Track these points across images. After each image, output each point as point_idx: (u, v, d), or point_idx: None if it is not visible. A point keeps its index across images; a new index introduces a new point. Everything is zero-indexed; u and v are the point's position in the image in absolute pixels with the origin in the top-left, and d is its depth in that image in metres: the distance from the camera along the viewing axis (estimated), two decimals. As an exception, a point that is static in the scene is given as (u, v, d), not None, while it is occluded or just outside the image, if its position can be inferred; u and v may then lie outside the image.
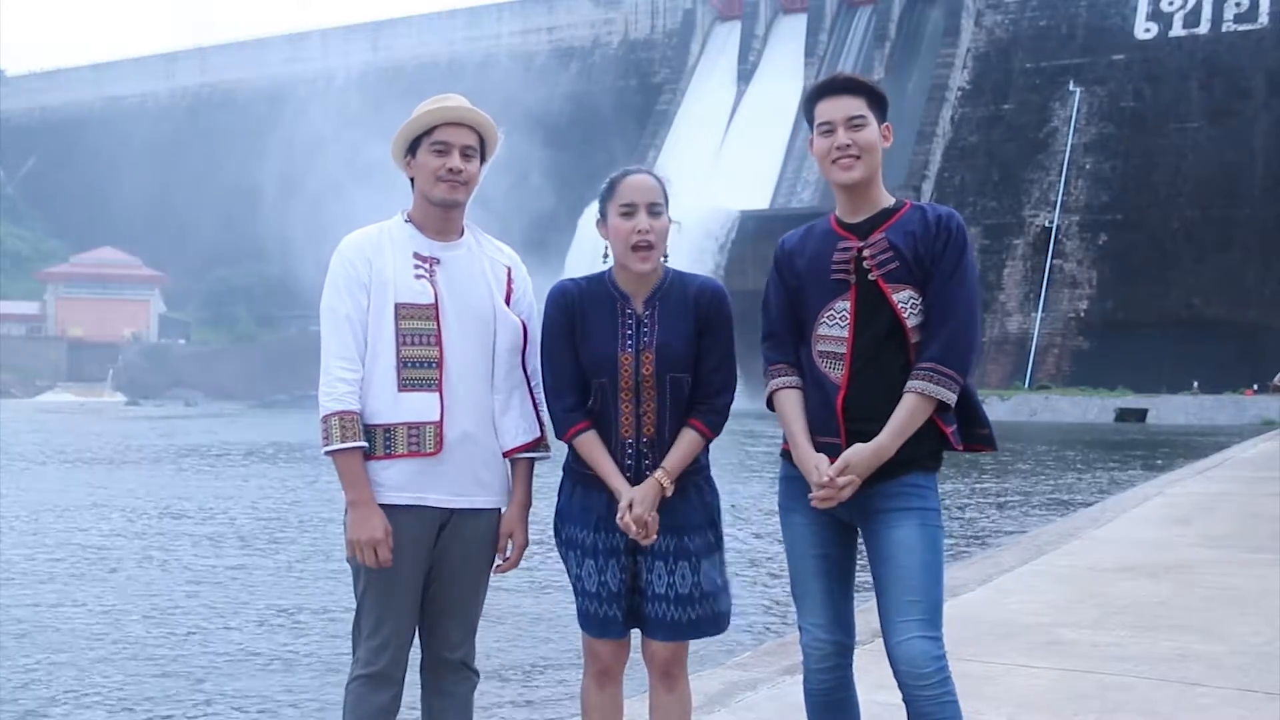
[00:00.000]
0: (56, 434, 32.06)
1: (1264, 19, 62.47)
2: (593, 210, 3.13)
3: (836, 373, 2.84)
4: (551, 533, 3.08)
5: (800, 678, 3.02)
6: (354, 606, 2.98)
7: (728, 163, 70.07)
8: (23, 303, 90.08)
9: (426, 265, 2.95)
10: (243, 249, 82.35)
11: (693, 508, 2.99)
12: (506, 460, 3.05)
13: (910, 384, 2.77)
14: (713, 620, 3.00)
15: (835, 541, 2.92)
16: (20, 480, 17.63)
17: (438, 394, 2.90)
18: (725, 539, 3.11)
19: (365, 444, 2.87)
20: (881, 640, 2.83)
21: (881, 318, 2.81)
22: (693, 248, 55.97)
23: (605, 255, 3.04)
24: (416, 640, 3.01)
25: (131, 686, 6.03)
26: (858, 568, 2.99)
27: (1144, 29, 65.05)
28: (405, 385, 2.89)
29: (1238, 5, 63.40)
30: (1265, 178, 58.07)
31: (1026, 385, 55.70)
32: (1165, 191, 59.99)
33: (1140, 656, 4.94)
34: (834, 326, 2.85)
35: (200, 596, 8.50)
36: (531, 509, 3.09)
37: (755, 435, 26.32)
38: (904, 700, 2.78)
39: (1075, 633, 5.41)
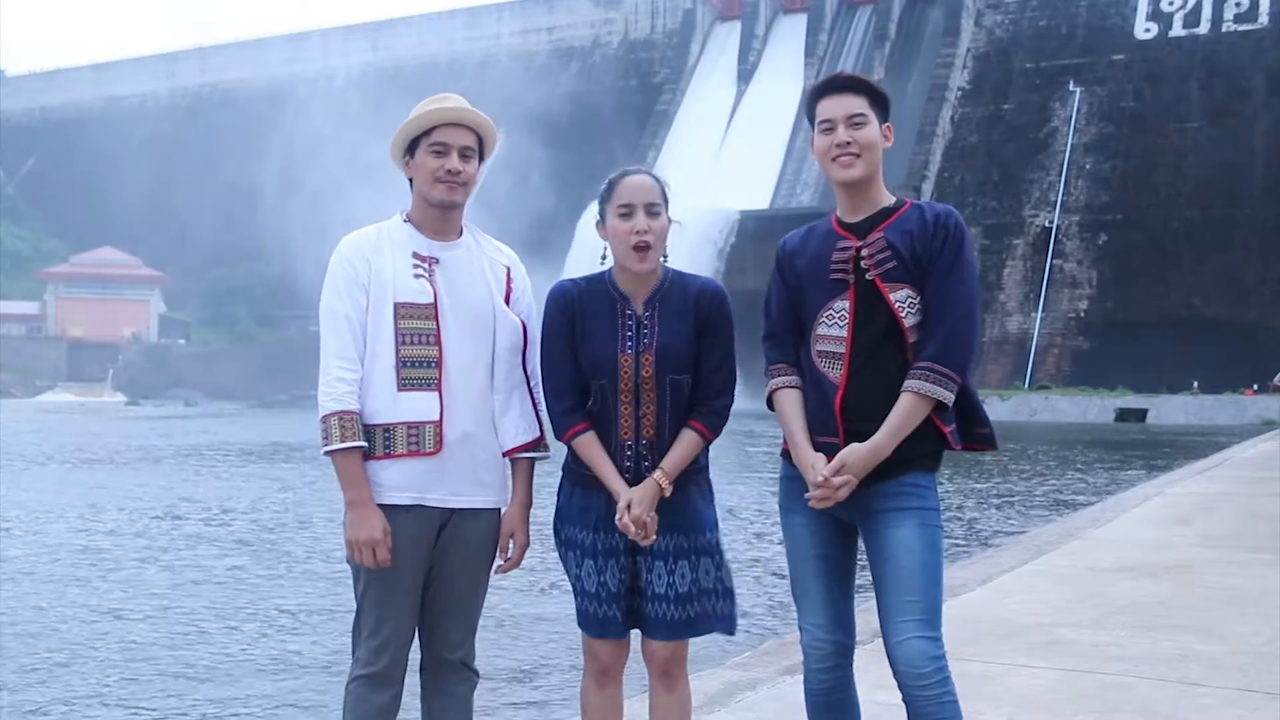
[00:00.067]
0: (56, 434, 32.05)
1: (1264, 19, 62.46)
2: (592, 211, 3.13)
3: (835, 372, 2.84)
4: (551, 533, 3.08)
5: (800, 678, 3.02)
6: (354, 607, 2.98)
7: (728, 163, 70.07)
8: (23, 303, 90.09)
9: (425, 265, 2.95)
10: (242, 249, 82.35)
11: (693, 507, 2.99)
12: (506, 460, 3.05)
13: (907, 383, 2.76)
14: (712, 618, 2.99)
15: (835, 541, 2.92)
16: (20, 480, 17.63)
17: (437, 394, 2.90)
18: (725, 539, 3.10)
19: (365, 444, 2.86)
20: (881, 640, 2.83)
21: (879, 317, 2.80)
22: (692, 248, 55.95)
23: (604, 256, 3.04)
24: (416, 640, 3.01)
25: (132, 686, 6.03)
26: (858, 568, 2.99)
27: (1144, 29, 65.05)
28: (405, 385, 2.89)
29: (1238, 5, 63.40)
30: (1265, 178, 58.08)
31: (1026, 385, 55.70)
32: (1165, 191, 59.99)
33: (1140, 656, 4.94)
34: (833, 326, 2.85)
35: (201, 597, 8.50)
36: (531, 509, 3.09)
37: (755, 435, 26.32)
38: (904, 700, 2.78)
39: (1075, 633, 5.41)
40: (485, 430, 2.98)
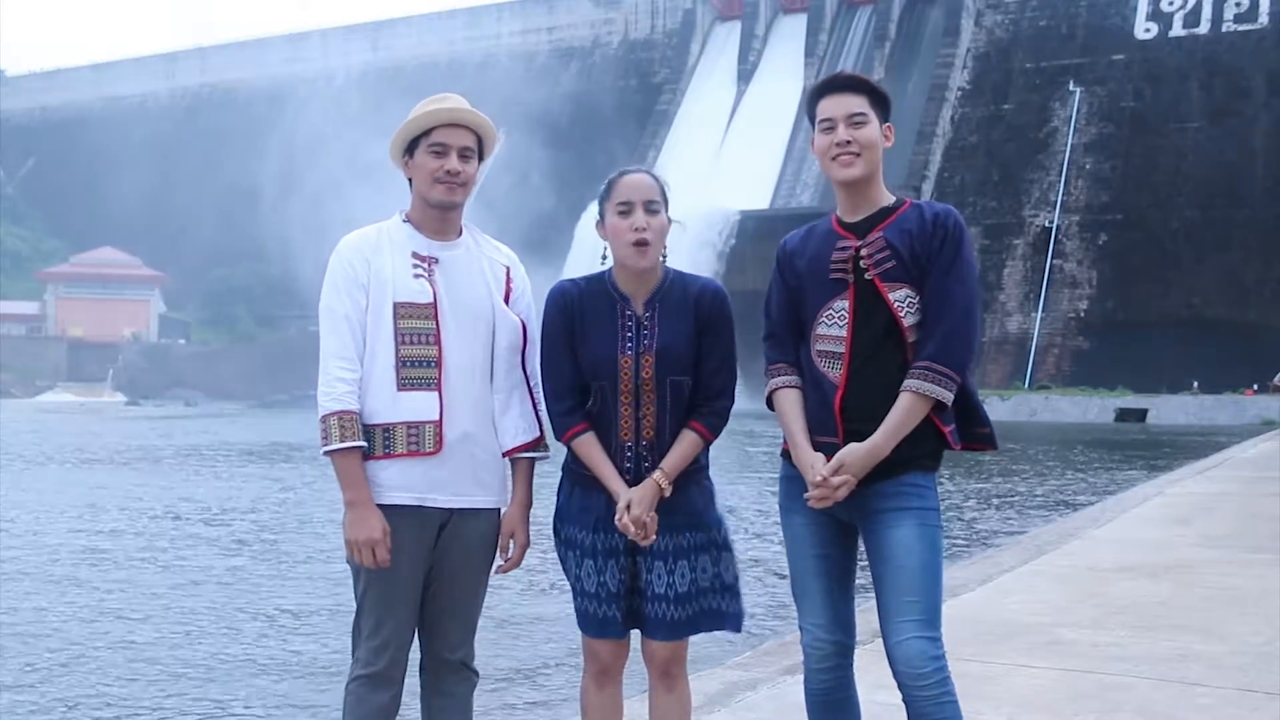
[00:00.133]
0: (56, 434, 32.05)
1: (1264, 19, 62.44)
2: (592, 211, 3.12)
3: (835, 372, 2.84)
4: (551, 533, 3.08)
5: (800, 678, 3.02)
6: (354, 607, 2.98)
7: (728, 163, 70.05)
8: (23, 303, 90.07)
9: (425, 265, 2.95)
10: (242, 249, 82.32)
11: (693, 507, 2.99)
12: (506, 460, 3.05)
13: (906, 383, 2.76)
14: (714, 616, 2.99)
15: (835, 541, 2.92)
16: (20, 480, 17.63)
17: (437, 393, 2.90)
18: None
19: (364, 444, 2.86)
20: (881, 640, 2.83)
21: (879, 317, 2.80)
22: (692, 248, 55.95)
23: (605, 256, 3.04)
24: (416, 640, 3.01)
25: (132, 686, 6.03)
26: (858, 568, 2.99)
27: (1144, 29, 65.03)
28: (404, 385, 2.88)
29: (1238, 5, 63.38)
30: (1265, 178, 58.06)
31: (1026, 385, 55.68)
32: (1165, 191, 59.97)
33: (1140, 656, 4.94)
34: (833, 326, 2.85)
35: (201, 597, 8.50)
36: (531, 509, 3.09)
37: (755, 435, 26.31)
38: (903, 700, 2.78)
39: (1075, 633, 5.41)
40: (485, 430, 2.98)
